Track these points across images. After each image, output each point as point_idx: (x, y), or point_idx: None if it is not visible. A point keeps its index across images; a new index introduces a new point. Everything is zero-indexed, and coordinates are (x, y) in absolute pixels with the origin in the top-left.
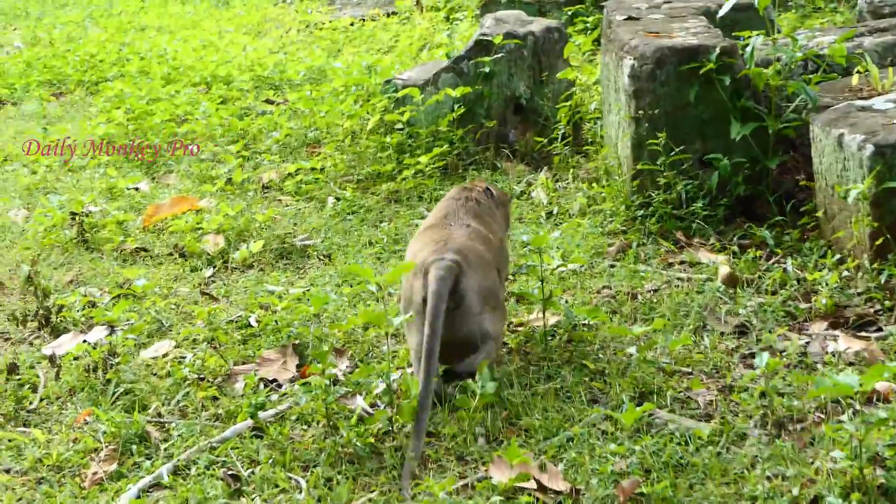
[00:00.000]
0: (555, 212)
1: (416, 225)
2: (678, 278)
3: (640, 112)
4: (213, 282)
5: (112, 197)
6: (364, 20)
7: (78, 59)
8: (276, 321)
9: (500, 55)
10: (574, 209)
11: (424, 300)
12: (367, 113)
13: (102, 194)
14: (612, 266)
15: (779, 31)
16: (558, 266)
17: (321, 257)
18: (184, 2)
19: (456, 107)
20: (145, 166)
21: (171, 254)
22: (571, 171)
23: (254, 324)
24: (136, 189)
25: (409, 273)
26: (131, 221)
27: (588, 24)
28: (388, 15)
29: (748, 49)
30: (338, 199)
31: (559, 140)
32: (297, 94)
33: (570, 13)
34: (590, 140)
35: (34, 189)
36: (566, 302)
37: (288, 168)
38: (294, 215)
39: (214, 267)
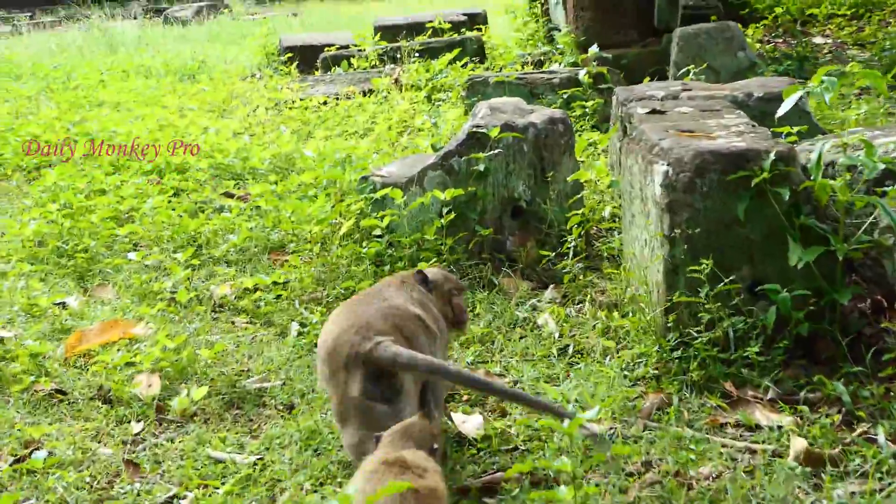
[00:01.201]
0: (569, 349)
1: None
2: (737, 449)
3: (676, 231)
4: (143, 440)
5: (32, 315)
6: (338, 98)
7: (19, 141)
8: None
9: (496, 151)
10: (592, 345)
11: (364, 394)
12: (340, 216)
13: (21, 311)
14: (648, 429)
15: (822, 132)
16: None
17: (279, 408)
18: (147, 75)
19: (445, 211)
20: (77, 275)
21: (93, 398)
22: (587, 295)
23: None
24: (63, 305)
25: (333, 364)
26: (49, 352)
27: (587, 109)
28: (365, 94)
29: (813, 155)
30: (303, 325)
31: (570, 256)
32: (261, 186)
33: (565, 96)
34: (606, 255)
35: None
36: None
37: (245, 282)
38: (249, 345)
39: (145, 420)
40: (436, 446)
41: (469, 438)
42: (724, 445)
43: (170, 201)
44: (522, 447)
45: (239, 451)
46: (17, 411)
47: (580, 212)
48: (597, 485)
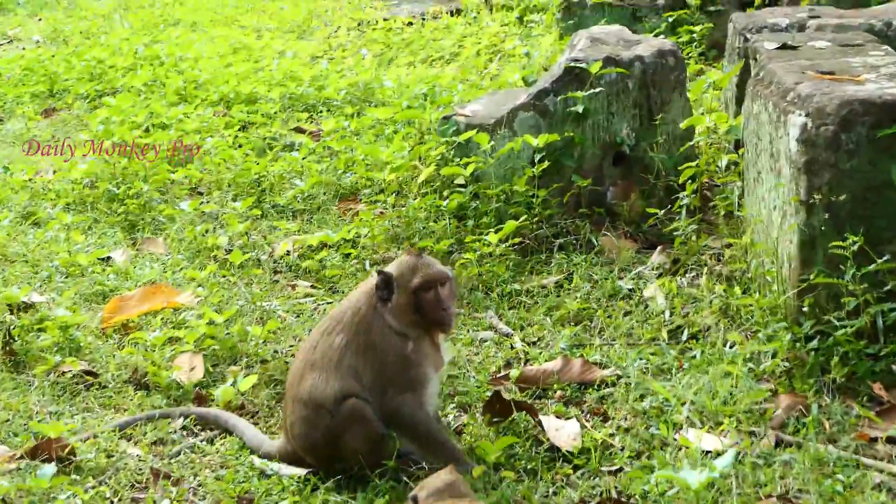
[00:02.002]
0: (682, 332)
1: (480, 342)
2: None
3: (816, 196)
4: (179, 440)
5: (70, 275)
6: (424, 19)
7: (84, 66)
8: None
9: (597, 90)
10: (709, 327)
11: None
12: (419, 161)
13: (60, 268)
14: (781, 444)
15: None
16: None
17: None
18: None
19: (537, 158)
20: (128, 224)
21: (127, 382)
22: (702, 263)
23: None
24: (107, 261)
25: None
26: (83, 323)
27: (695, 35)
28: (452, 13)
29: None
30: None
31: (682, 215)
32: (335, 121)
33: (670, 20)
34: (723, 213)
35: None
36: None
37: (309, 240)
38: (310, 316)
39: (184, 418)
40: None
41: (564, 452)
42: (878, 471)
43: (236, 136)
44: (628, 466)
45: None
46: (39, 396)
47: (695, 164)
48: None
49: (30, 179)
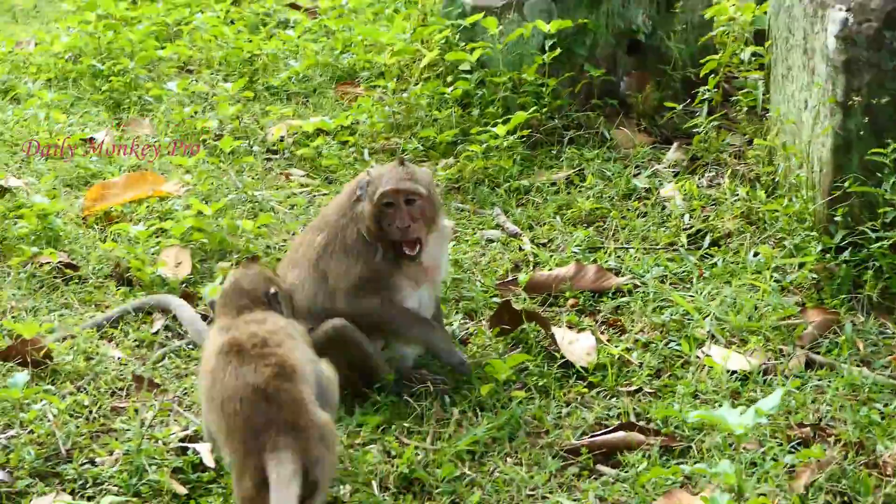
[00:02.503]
0: (703, 238)
1: (486, 242)
2: None
3: (854, 97)
4: (164, 342)
5: (51, 157)
6: None
7: None
8: None
9: None
10: (731, 231)
11: None
12: (422, 45)
13: (40, 150)
14: (812, 366)
15: None
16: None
17: None
18: None
19: (548, 45)
20: (112, 103)
21: (109, 276)
22: (722, 162)
23: (208, 462)
24: (90, 142)
25: None
26: (62, 211)
27: None
28: None
29: None
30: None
31: (703, 112)
32: None
33: None
34: (745, 108)
35: None
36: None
37: (305, 125)
38: (304, 209)
39: (166, 314)
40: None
41: (578, 367)
42: None
43: (227, 11)
44: (648, 387)
45: None
46: (14, 290)
47: (717, 57)
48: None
49: (9, 51)
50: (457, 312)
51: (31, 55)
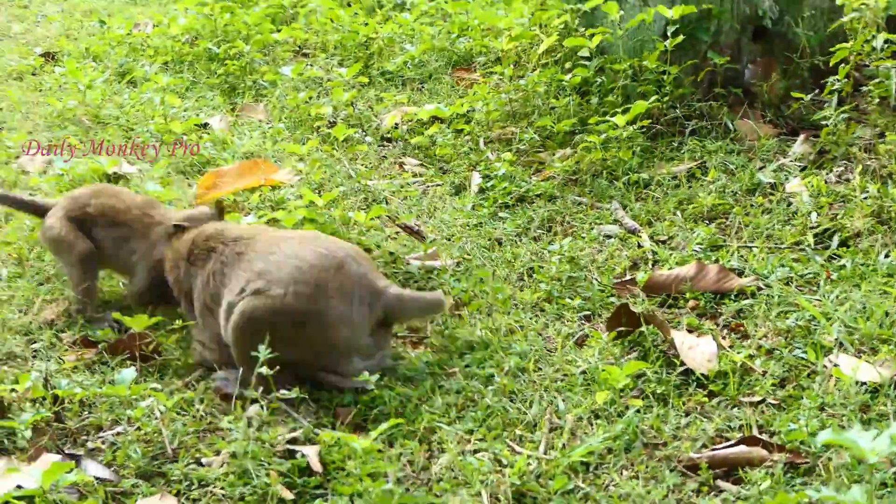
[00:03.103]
0: (831, 237)
1: (604, 238)
2: None
3: None
4: None
5: (165, 143)
6: None
7: None
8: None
9: None
10: (861, 231)
11: None
12: (540, 29)
13: (155, 133)
14: None
15: None
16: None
17: (450, 310)
18: None
19: (670, 32)
20: (227, 86)
21: None
22: (853, 158)
23: (315, 467)
24: (205, 127)
25: None
26: (175, 199)
27: None
28: None
29: None
30: (487, 176)
31: (833, 102)
32: None
33: None
34: (877, 99)
35: (57, 119)
36: None
37: (420, 113)
38: (417, 200)
39: None
40: None
41: (698, 375)
42: None
43: None
44: (771, 398)
45: (392, 363)
46: (125, 281)
47: (847, 45)
48: None
49: (128, 34)
50: (572, 312)
51: (149, 38)
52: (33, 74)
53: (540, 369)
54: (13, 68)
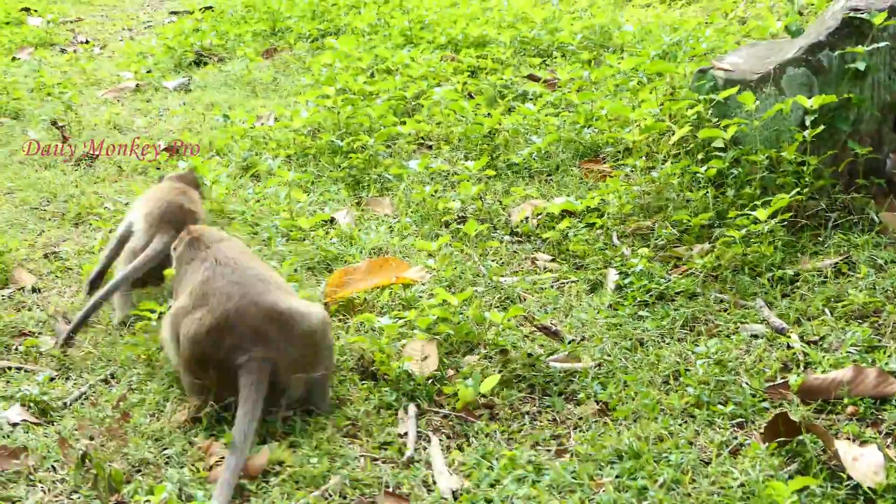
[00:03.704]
0: None
1: (750, 339)
2: None
3: None
4: (420, 436)
5: (292, 239)
6: None
7: (307, 3)
8: None
9: (881, 44)
10: None
11: None
12: (670, 120)
13: (281, 229)
14: None
15: None
16: None
17: (595, 402)
18: None
19: (809, 122)
20: (352, 180)
21: (352, 370)
22: None
23: None
24: (331, 222)
25: None
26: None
27: None
28: None
29: None
30: (623, 273)
31: None
32: (571, 69)
33: None
34: None
35: None
36: None
37: (550, 207)
38: (552, 298)
39: (419, 410)
40: None
41: (865, 489)
42: None
43: (465, 84)
44: None
45: (536, 473)
46: None
47: None
48: None
49: (251, 127)
50: (724, 418)
51: (271, 130)
52: (157, 169)
53: (695, 481)
54: (137, 163)
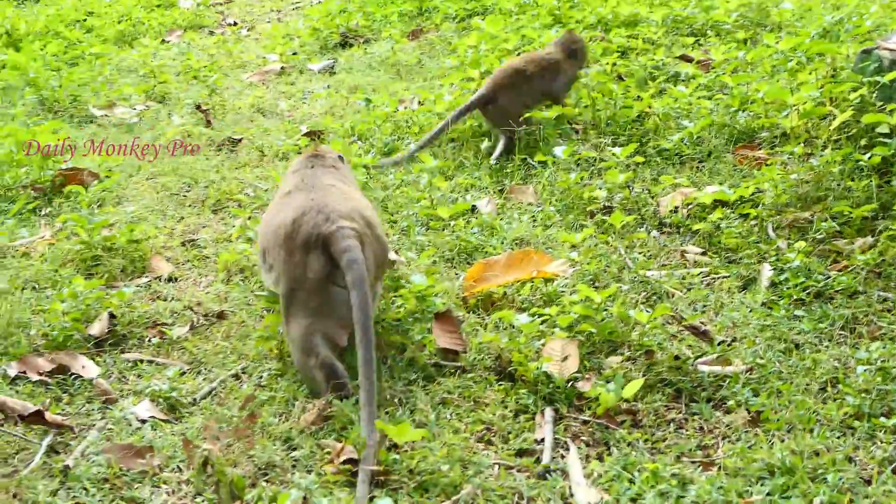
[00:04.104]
0: None
1: None
2: None
3: None
4: (559, 443)
5: (431, 228)
6: None
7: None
8: None
9: None
10: None
11: (328, 277)
12: (832, 103)
13: (420, 218)
14: None
15: None
16: None
17: (747, 410)
18: None
19: None
20: (497, 167)
21: (489, 370)
22: None
23: None
24: (473, 210)
25: (290, 245)
26: (442, 292)
27: None
28: None
29: None
30: (779, 269)
31: None
32: (725, 48)
33: None
34: None
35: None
36: None
37: (701, 197)
38: (703, 294)
39: (555, 417)
40: None
41: None
42: None
43: (614, 65)
44: None
45: (681, 488)
46: (388, 380)
47: None
48: None
49: (394, 111)
50: (887, 433)
51: (414, 114)
52: (299, 153)
53: (853, 502)
54: (278, 148)
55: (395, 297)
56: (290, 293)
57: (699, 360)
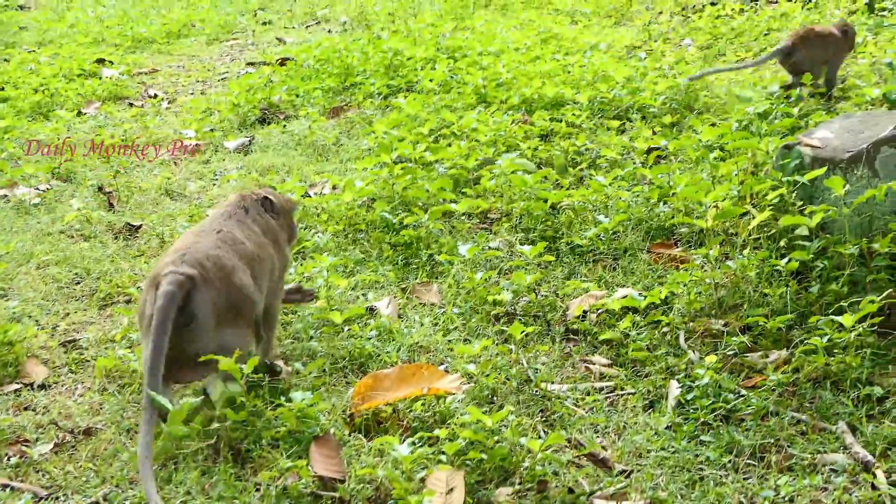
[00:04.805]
0: None
1: (829, 474)
2: None
3: None
4: None
5: (325, 333)
6: (756, 3)
7: (380, 57)
8: None
9: None
10: None
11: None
12: (749, 202)
13: (314, 322)
14: None
15: None
16: None
17: None
18: None
19: None
20: (402, 262)
21: (370, 500)
22: None
23: None
24: (371, 311)
25: (145, 284)
26: (324, 412)
27: None
28: None
29: None
30: (688, 385)
31: None
32: (646, 135)
33: None
34: None
35: None
36: None
37: (610, 303)
38: (606, 413)
39: None
40: None
41: None
42: None
43: (535, 150)
44: None
45: None
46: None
47: None
48: None
49: (303, 194)
50: None
51: (324, 200)
52: None
53: None
54: (180, 235)
55: (274, 416)
56: (139, 321)
57: (595, 494)
